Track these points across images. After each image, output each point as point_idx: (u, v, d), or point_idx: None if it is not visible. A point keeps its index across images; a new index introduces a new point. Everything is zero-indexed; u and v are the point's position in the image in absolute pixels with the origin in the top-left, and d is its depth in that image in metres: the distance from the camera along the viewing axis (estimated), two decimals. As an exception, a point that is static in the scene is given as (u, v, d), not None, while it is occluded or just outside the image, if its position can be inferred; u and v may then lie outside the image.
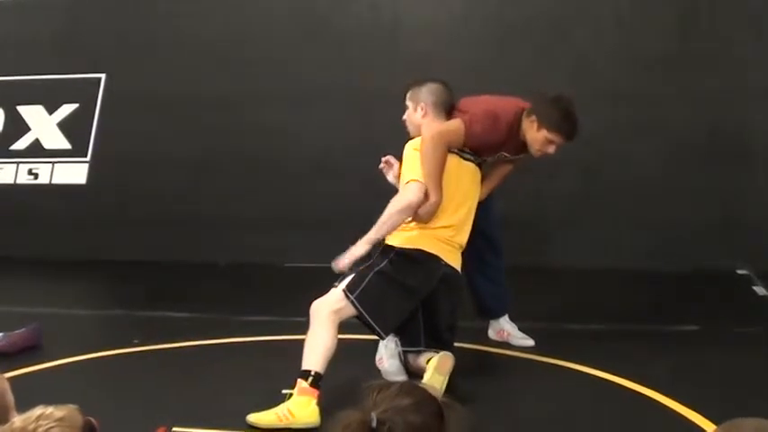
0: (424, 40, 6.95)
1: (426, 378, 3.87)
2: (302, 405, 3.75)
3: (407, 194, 4.11)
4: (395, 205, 4.11)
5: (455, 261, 4.24)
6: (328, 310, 3.96)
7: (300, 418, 3.73)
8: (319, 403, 3.74)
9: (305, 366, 3.84)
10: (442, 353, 4.02)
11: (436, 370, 3.91)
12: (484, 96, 4.55)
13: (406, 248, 4.13)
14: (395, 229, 4.12)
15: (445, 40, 6.98)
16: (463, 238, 4.29)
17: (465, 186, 4.33)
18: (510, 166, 4.74)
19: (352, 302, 3.97)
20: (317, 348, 3.87)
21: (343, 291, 4.01)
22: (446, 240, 4.20)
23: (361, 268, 4.06)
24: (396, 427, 1.65)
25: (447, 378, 3.92)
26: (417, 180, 4.13)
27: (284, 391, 3.86)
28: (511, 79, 6.04)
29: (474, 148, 4.40)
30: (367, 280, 4.02)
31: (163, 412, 3.71)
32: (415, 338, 4.23)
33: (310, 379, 3.80)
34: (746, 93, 6.55)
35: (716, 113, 6.57)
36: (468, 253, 4.48)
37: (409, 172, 4.18)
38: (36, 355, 4.66)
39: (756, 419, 1.76)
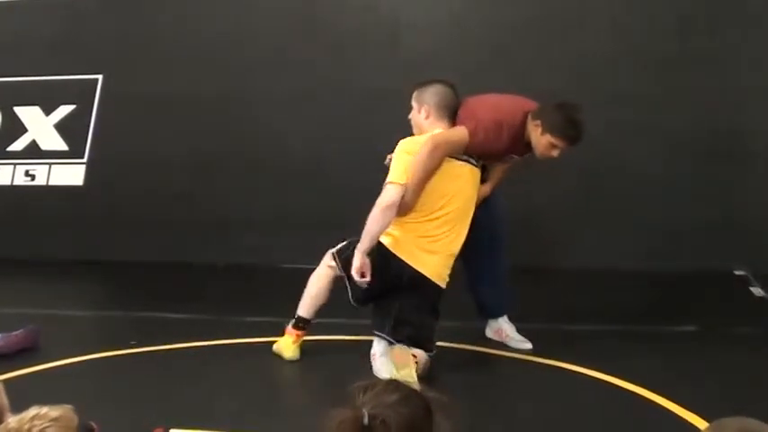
0: (423, 40, 6.94)
1: (396, 375, 3.93)
2: (284, 342, 4.57)
3: (385, 197, 4.25)
4: (378, 205, 4.25)
5: (427, 267, 4.30)
6: (326, 264, 4.52)
7: (282, 351, 4.58)
8: (301, 343, 4.57)
9: (298, 310, 4.58)
10: (393, 347, 4.16)
11: (397, 366, 4.07)
12: (490, 97, 4.54)
13: (386, 247, 4.29)
14: (386, 227, 4.26)
15: (444, 40, 6.97)
16: (447, 235, 4.34)
17: (453, 183, 4.37)
18: (511, 164, 4.74)
19: (337, 265, 4.41)
20: (306, 296, 4.56)
21: (333, 254, 4.46)
22: (421, 247, 4.29)
23: (354, 240, 4.30)
24: (389, 419, 1.68)
25: (413, 369, 4.04)
26: (396, 183, 4.25)
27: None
28: (510, 80, 6.02)
29: (477, 155, 4.42)
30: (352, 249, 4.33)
31: (161, 413, 3.69)
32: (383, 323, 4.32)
33: (293, 321, 4.56)
34: (746, 93, 6.54)
35: (715, 114, 6.56)
36: (471, 250, 4.50)
37: (391, 172, 4.31)
38: (33, 357, 4.65)
39: (741, 419, 1.75)
